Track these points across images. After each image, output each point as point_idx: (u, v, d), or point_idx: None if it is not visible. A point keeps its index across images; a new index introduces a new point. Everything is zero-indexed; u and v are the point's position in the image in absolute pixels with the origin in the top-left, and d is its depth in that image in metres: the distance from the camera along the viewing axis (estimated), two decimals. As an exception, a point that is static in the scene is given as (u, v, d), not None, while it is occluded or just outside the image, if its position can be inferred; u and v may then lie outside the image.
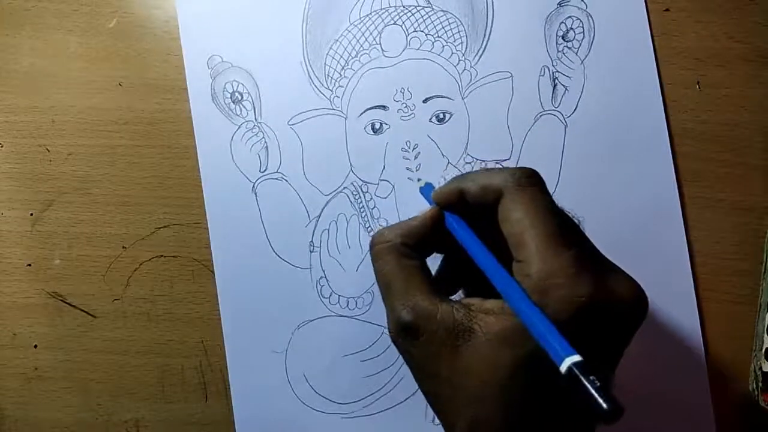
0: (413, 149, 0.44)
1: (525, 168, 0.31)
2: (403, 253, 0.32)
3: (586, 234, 0.32)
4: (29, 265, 0.46)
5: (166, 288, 0.45)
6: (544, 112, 0.44)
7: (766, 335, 0.42)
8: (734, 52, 0.44)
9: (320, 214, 0.44)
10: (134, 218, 0.45)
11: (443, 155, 0.44)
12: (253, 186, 0.44)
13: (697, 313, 0.43)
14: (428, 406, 0.42)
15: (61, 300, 0.45)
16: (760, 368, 0.41)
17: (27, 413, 0.45)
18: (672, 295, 0.43)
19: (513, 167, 0.32)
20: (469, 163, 0.44)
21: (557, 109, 0.44)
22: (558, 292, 0.27)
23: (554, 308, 0.27)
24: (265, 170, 0.44)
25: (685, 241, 0.43)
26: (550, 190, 0.42)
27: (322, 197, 0.44)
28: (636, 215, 0.43)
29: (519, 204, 0.30)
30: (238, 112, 0.45)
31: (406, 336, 0.30)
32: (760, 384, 0.42)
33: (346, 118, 0.44)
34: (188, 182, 0.45)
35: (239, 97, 0.45)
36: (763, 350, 0.41)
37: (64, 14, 0.46)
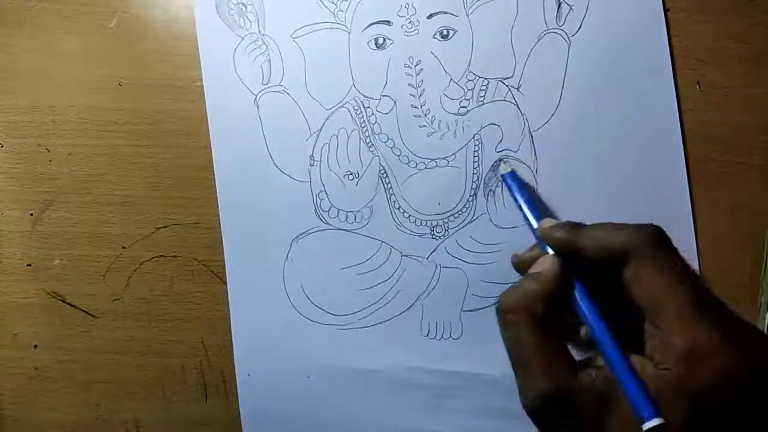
0: (416, 65, 0.44)
1: (652, 227, 0.30)
2: (542, 322, 0.30)
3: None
4: (29, 265, 0.46)
5: (166, 288, 0.45)
6: (548, 31, 0.44)
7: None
8: (734, 52, 0.44)
9: (321, 129, 0.44)
10: (134, 218, 0.45)
11: (446, 72, 0.44)
12: (256, 98, 0.45)
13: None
14: (423, 319, 0.44)
15: (61, 300, 0.45)
16: (760, 368, 0.41)
17: (27, 413, 0.45)
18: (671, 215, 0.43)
19: (637, 225, 0.30)
20: (471, 80, 0.44)
21: (561, 27, 0.44)
22: (709, 363, 0.26)
23: (705, 380, 0.26)
24: (267, 83, 0.45)
25: (684, 162, 0.43)
26: (551, 109, 0.44)
27: (324, 111, 0.44)
28: (636, 137, 0.44)
29: (653, 269, 0.28)
30: (242, 24, 0.45)
31: (549, 412, 0.28)
32: (760, 384, 0.41)
33: (349, 33, 0.44)
34: (188, 182, 0.45)
35: (243, 9, 0.44)
36: (763, 350, 0.41)
37: (64, 14, 0.46)
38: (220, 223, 0.44)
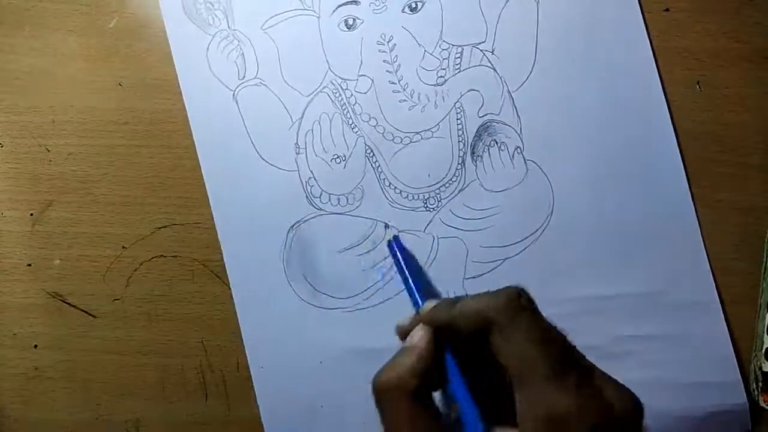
0: (389, 42, 0.44)
1: (511, 290, 0.30)
2: (416, 395, 0.30)
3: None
4: (29, 265, 0.46)
5: (166, 288, 0.45)
6: None
7: (766, 335, 0.42)
8: (734, 52, 0.44)
9: (302, 116, 0.45)
10: (134, 218, 0.45)
11: (419, 44, 0.44)
12: (234, 94, 0.45)
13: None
14: None
15: (61, 300, 0.45)
16: (760, 368, 0.41)
17: (27, 413, 0.45)
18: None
19: (501, 291, 0.31)
20: (446, 49, 0.44)
21: None
22: (568, 428, 0.27)
23: None
24: (243, 77, 0.45)
25: (667, 109, 0.43)
26: (528, 69, 0.44)
27: (303, 98, 0.45)
28: (616, 90, 0.44)
29: (513, 336, 0.29)
30: (211, 22, 0.45)
31: None
32: (760, 384, 0.42)
33: (318, 17, 0.45)
34: (188, 182, 0.45)
35: (210, 6, 0.45)
36: (763, 350, 0.41)
37: (64, 14, 0.46)
38: (220, 223, 0.45)
